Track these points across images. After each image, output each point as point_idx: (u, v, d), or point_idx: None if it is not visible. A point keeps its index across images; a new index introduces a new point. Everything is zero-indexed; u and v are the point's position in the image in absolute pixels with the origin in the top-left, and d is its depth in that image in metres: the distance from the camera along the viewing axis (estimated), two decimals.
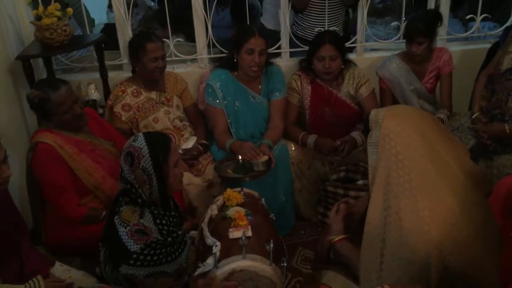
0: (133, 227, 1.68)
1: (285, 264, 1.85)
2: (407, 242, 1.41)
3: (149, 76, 2.80)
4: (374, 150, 1.50)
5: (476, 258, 1.40)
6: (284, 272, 1.83)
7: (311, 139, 2.81)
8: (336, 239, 1.71)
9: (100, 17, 4.63)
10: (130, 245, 1.65)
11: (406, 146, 1.45)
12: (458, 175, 1.47)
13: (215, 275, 1.68)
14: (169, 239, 1.73)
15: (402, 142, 1.45)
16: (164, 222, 1.75)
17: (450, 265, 1.38)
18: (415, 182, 1.42)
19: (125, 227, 1.68)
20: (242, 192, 2.09)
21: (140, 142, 1.70)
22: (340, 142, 2.75)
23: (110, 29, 3.51)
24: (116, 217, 1.72)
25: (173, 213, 1.82)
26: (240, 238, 1.74)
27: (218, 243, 1.78)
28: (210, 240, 1.83)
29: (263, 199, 2.16)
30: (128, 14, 3.08)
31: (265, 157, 2.56)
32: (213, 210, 2.00)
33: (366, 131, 1.58)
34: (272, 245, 1.75)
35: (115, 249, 1.70)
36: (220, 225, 1.91)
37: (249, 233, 1.83)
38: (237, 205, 2.01)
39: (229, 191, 2.07)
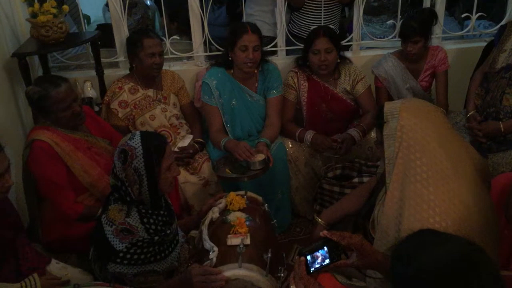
0: (118, 226, 1.67)
1: (282, 274, 1.79)
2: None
3: (147, 72, 2.80)
4: (391, 142, 1.50)
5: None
6: (280, 282, 1.78)
7: (308, 135, 2.81)
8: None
9: (95, 14, 4.62)
10: (116, 244, 1.65)
11: (422, 137, 1.46)
12: (470, 167, 1.48)
13: None
14: (156, 237, 1.72)
15: (419, 134, 1.46)
16: (151, 221, 1.74)
17: None
18: (431, 172, 1.42)
19: (111, 226, 1.68)
20: (245, 197, 2.05)
21: (136, 141, 1.68)
22: (339, 139, 2.74)
23: (104, 28, 3.51)
24: (103, 216, 1.72)
25: (162, 212, 1.79)
26: (238, 245, 1.72)
27: (216, 249, 1.75)
28: (208, 244, 1.80)
29: (266, 205, 2.11)
30: (124, 12, 3.08)
31: (262, 156, 2.54)
32: (214, 213, 1.96)
33: (379, 124, 1.58)
34: (269, 255, 1.71)
35: (102, 248, 1.70)
36: (219, 229, 1.88)
37: (248, 241, 1.79)
38: (239, 210, 1.97)
39: (232, 194, 2.03)
